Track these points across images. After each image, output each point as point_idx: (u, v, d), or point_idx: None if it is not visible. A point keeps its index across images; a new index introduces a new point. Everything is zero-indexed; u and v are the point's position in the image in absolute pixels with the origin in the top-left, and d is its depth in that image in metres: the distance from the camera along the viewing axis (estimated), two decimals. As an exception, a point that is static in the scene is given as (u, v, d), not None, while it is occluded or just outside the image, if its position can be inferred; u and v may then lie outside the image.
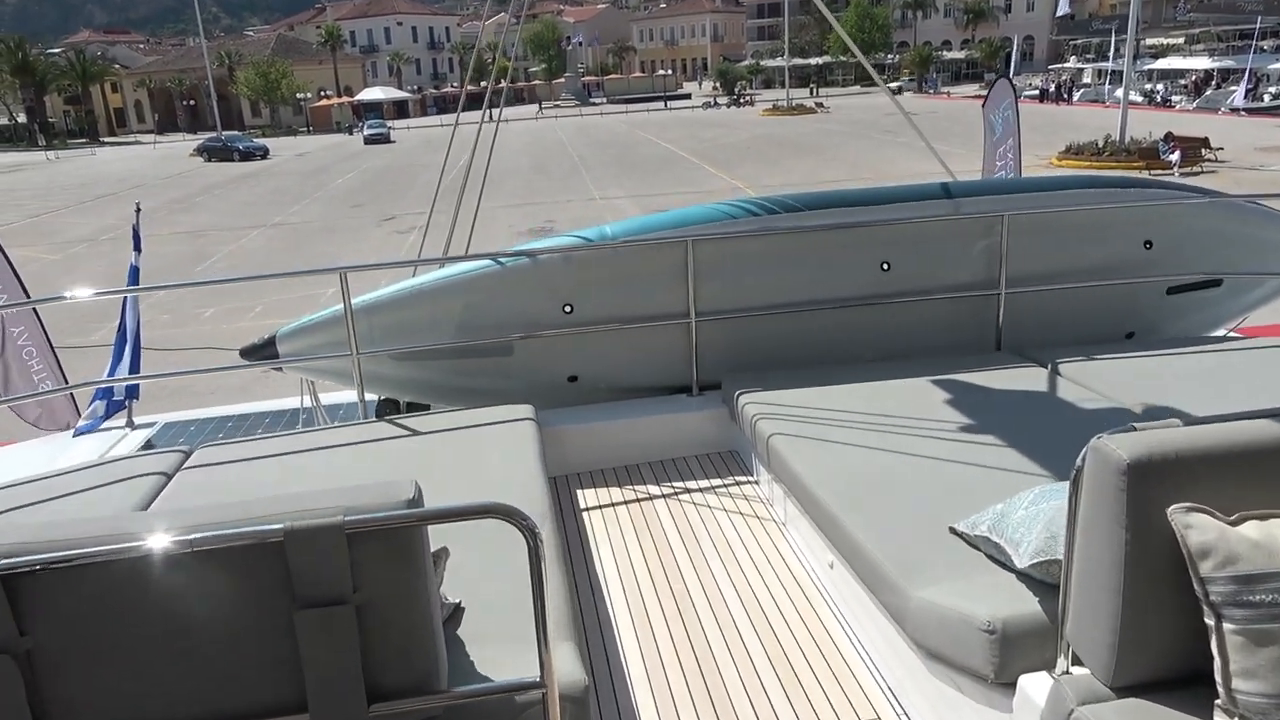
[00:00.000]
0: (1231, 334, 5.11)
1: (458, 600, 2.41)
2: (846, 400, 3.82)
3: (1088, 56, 67.94)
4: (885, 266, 4.46)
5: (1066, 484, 2.49)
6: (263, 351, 4.30)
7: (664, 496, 3.91)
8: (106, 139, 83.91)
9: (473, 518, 1.74)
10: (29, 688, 1.66)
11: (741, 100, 75.97)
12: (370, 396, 4.53)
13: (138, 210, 6.00)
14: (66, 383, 6.25)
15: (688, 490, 3.95)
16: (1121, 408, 3.56)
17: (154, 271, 19.96)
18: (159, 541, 1.63)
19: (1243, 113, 41.07)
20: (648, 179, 31.37)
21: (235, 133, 65.37)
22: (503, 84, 7.13)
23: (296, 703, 1.74)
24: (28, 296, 6.26)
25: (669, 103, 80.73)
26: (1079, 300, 4.60)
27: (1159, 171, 22.43)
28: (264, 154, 54.92)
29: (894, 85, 71.65)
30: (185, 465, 3.55)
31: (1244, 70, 46.64)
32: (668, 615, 3.07)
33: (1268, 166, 25.10)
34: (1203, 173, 23.99)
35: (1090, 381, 3.85)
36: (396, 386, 4.43)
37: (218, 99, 72.52)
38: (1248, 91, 43.65)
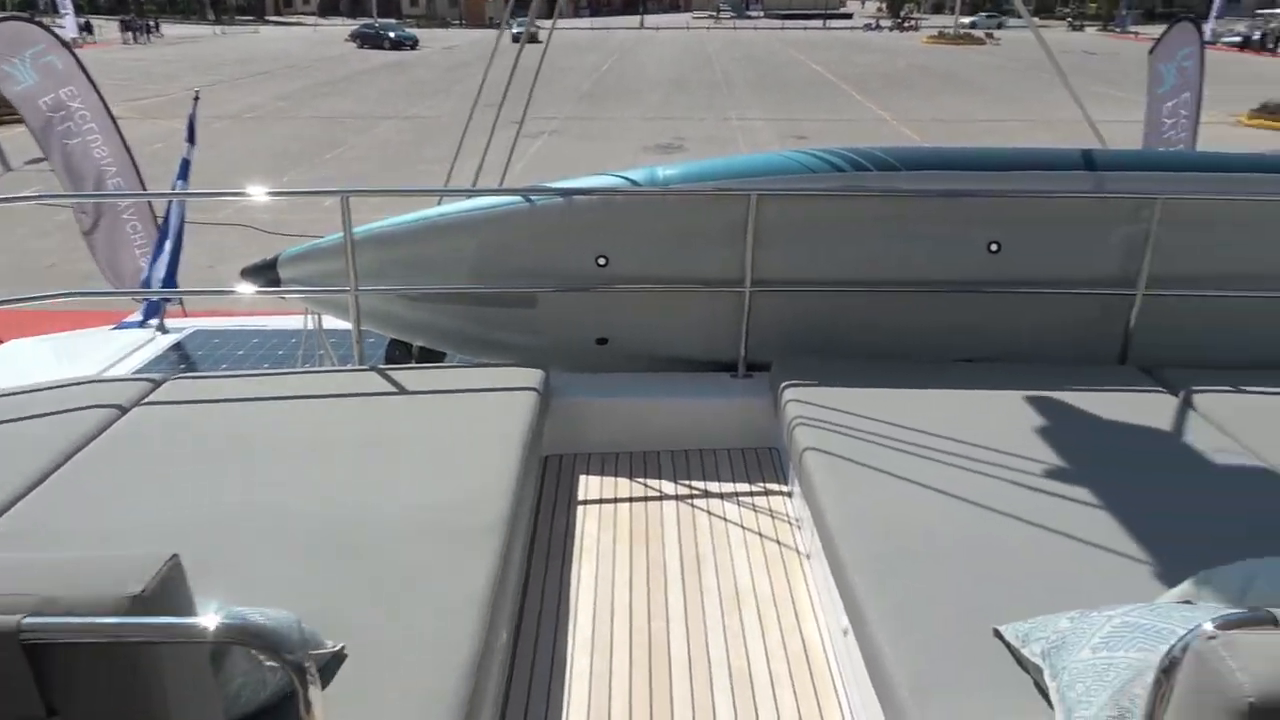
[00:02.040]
0: None
1: (339, 646, 1.93)
2: (914, 410, 3.10)
3: (1308, 2, 60.51)
4: (994, 248, 3.65)
5: (1165, 610, 1.79)
6: (265, 274, 3.87)
7: (678, 497, 3.32)
8: (271, 18, 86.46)
9: (207, 641, 1.21)
10: None
11: (906, 25, 71.59)
12: (378, 334, 4.09)
13: (195, 99, 5.70)
14: None
15: (707, 494, 3.35)
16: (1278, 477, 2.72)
17: (289, 153, 20.58)
18: None
19: None
20: (790, 102, 29.82)
21: (390, 20, 66.00)
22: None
23: None
24: (140, 178, 6.94)
25: (828, 21, 76.82)
26: (1238, 313, 3.68)
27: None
28: (413, 44, 55.24)
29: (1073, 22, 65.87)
30: (145, 399, 3.19)
31: None
32: (634, 657, 2.52)
33: None
34: None
35: (1239, 428, 2.99)
36: (407, 329, 3.95)
37: (377, -15, 73.25)
38: None
